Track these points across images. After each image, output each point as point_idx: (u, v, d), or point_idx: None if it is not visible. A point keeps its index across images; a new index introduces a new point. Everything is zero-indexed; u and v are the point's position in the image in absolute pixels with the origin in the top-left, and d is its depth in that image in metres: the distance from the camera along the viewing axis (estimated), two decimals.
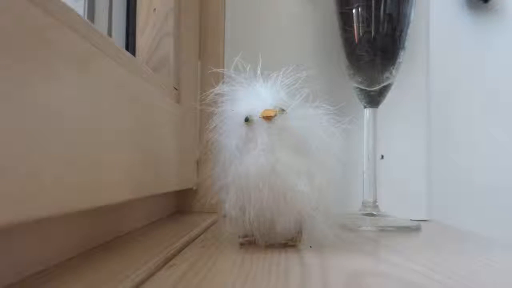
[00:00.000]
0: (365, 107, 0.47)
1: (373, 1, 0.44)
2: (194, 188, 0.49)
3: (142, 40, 0.44)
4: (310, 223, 0.29)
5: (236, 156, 0.29)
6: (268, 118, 0.28)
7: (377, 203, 0.47)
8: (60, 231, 0.23)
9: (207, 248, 0.31)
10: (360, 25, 0.45)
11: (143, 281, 0.21)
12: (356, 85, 0.47)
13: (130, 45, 0.50)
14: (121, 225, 0.33)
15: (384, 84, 0.46)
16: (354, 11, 0.45)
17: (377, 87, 0.46)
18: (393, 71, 0.46)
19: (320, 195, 0.29)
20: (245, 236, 0.31)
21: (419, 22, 0.53)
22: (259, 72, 0.30)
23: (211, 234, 0.37)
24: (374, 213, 0.46)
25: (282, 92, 0.30)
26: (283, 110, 0.29)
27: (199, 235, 0.36)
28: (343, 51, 0.47)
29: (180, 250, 0.29)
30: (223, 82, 0.31)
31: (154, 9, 0.44)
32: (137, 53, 0.45)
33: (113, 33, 0.50)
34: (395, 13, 0.44)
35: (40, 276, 0.20)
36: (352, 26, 0.45)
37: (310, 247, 0.31)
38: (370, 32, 0.44)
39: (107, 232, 0.30)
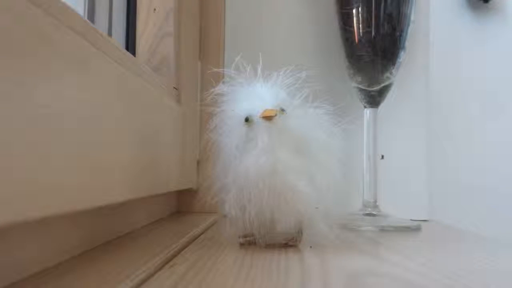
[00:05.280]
0: (365, 107, 0.47)
1: (373, 1, 0.44)
2: (194, 188, 0.49)
3: (142, 40, 0.44)
4: (310, 223, 0.29)
5: (236, 156, 0.29)
6: (268, 118, 0.28)
7: (377, 203, 0.47)
8: (60, 231, 0.23)
9: (207, 248, 0.30)
10: (360, 25, 0.45)
11: (143, 281, 0.21)
12: (356, 85, 0.47)
13: (130, 45, 0.50)
14: (121, 225, 0.33)
15: (384, 84, 0.46)
16: (354, 11, 0.45)
17: (377, 87, 0.46)
18: (393, 71, 0.46)
19: (320, 195, 0.29)
20: (245, 236, 0.31)
21: (419, 22, 0.53)
22: (259, 72, 0.30)
23: (211, 234, 0.37)
24: (374, 213, 0.46)
25: (282, 92, 0.30)
26: (283, 110, 0.29)
27: (199, 235, 0.36)
28: (343, 51, 0.47)
29: (180, 250, 0.29)
30: (223, 82, 0.31)
31: (154, 9, 0.44)
32: (137, 53, 0.44)
33: (113, 33, 0.50)
34: (395, 13, 0.44)
35: (40, 276, 0.20)
36: (352, 26, 0.45)
37: (310, 247, 0.31)
38: (370, 32, 0.44)
39: (107, 232, 0.30)
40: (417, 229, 0.44)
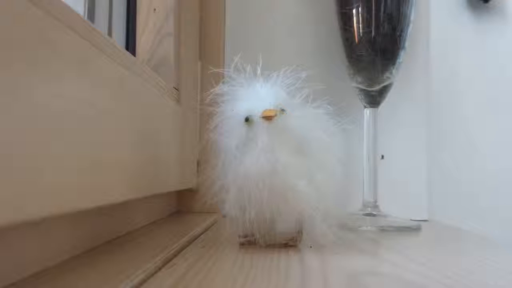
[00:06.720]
0: (365, 107, 0.47)
1: (373, 1, 0.44)
2: (194, 188, 0.49)
3: (142, 40, 0.44)
4: (310, 223, 0.29)
5: (236, 156, 0.29)
6: (268, 118, 0.28)
7: (377, 203, 0.47)
8: (60, 231, 0.23)
9: (207, 248, 0.31)
10: (360, 25, 0.45)
11: (143, 281, 0.21)
12: (356, 85, 0.47)
13: (130, 45, 0.50)
14: (121, 225, 0.33)
15: (384, 84, 0.46)
16: (354, 11, 0.45)
17: (377, 87, 0.46)
18: (393, 71, 0.46)
19: (320, 195, 0.29)
20: (245, 236, 0.31)
21: (419, 22, 0.53)
22: (259, 72, 0.30)
23: (211, 234, 0.37)
24: (375, 213, 0.46)
25: (282, 92, 0.30)
26: (283, 110, 0.29)
27: (199, 235, 0.36)
28: (343, 51, 0.47)
29: (180, 250, 0.29)
30: (223, 82, 0.31)
31: (154, 9, 0.44)
32: (137, 53, 0.44)
33: (113, 33, 0.50)
34: (395, 13, 0.44)
35: (40, 276, 0.20)
36: (352, 26, 0.45)
37: (310, 247, 0.31)
38: (370, 32, 0.44)
39: (107, 232, 0.30)
40: (417, 229, 0.44)
